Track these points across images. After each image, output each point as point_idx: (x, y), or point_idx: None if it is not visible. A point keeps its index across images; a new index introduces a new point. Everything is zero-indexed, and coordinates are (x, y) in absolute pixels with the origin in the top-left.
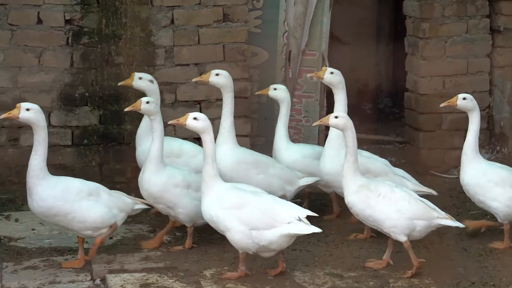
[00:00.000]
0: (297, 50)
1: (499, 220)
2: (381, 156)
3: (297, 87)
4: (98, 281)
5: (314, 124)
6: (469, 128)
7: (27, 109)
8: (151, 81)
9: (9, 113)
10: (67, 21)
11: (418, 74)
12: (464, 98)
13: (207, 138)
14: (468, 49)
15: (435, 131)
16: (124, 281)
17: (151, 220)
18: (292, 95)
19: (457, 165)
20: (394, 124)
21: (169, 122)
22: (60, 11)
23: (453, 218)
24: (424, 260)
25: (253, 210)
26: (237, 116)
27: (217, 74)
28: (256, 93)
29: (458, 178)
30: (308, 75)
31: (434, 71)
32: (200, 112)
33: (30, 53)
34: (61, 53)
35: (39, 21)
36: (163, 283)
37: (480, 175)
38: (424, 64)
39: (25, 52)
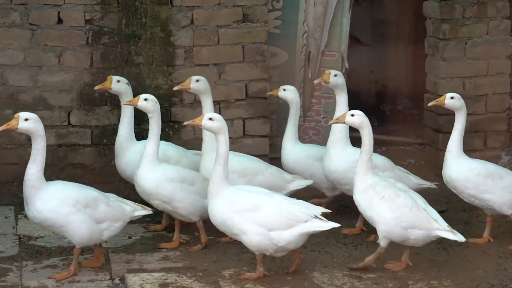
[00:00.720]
0: (317, 50)
1: (499, 212)
2: (401, 158)
3: (316, 88)
4: (117, 281)
5: (330, 122)
6: (454, 126)
7: (26, 119)
8: (128, 84)
9: (8, 125)
10: (87, 21)
11: (438, 76)
12: (452, 97)
13: (221, 138)
14: (489, 51)
15: None
16: (143, 280)
17: (170, 220)
18: (311, 96)
19: None
20: (413, 126)
21: (185, 123)
22: (80, 11)
23: (454, 231)
24: (411, 264)
25: (268, 211)
26: (256, 116)
27: (197, 80)
28: (267, 94)
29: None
30: (315, 81)
31: (454, 73)
32: (219, 112)
33: (50, 52)
34: (81, 52)
35: (60, 20)
36: (181, 283)
37: (467, 170)
38: (444, 66)
39: (45, 51)
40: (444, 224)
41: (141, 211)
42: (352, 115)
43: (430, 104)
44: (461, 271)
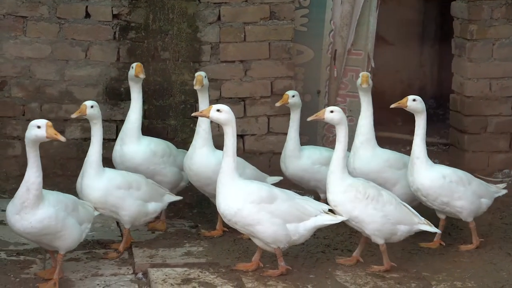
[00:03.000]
0: (343, 49)
1: (463, 219)
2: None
3: (342, 86)
4: (140, 275)
5: (309, 119)
6: (416, 132)
7: (218, 110)
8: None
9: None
10: (115, 16)
11: (465, 76)
12: (414, 100)
13: (229, 130)
14: None
15: (480, 134)
16: (166, 275)
17: (193, 215)
18: (336, 94)
19: (502, 168)
20: (438, 126)
21: (193, 114)
22: (108, 6)
23: (430, 224)
24: (395, 264)
25: (283, 204)
26: (281, 114)
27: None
28: (276, 104)
29: (502, 182)
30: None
31: (481, 73)
32: (244, 110)
33: (78, 46)
34: (108, 47)
35: (87, 15)
36: (204, 278)
37: (441, 177)
38: (471, 66)
39: (73, 45)
40: (422, 218)
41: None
42: (331, 112)
43: (392, 106)
44: (485, 273)
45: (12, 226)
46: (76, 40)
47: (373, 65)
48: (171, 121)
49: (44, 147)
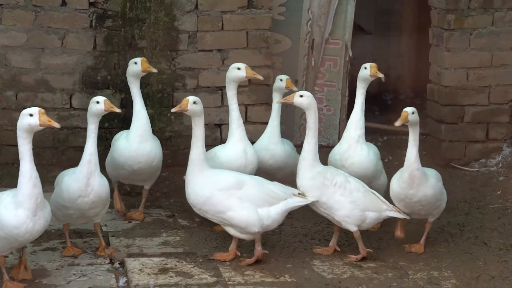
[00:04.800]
0: (321, 38)
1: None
2: (402, 148)
3: (319, 76)
4: (117, 265)
5: (279, 101)
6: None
7: (194, 102)
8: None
9: (180, 106)
10: (91, 4)
11: (442, 66)
12: (301, 96)
13: (200, 121)
14: (493, 42)
15: (457, 124)
16: (143, 265)
17: (170, 205)
18: (314, 84)
19: (478, 158)
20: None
21: (172, 110)
22: None
23: (400, 211)
24: (371, 250)
25: (252, 189)
26: (258, 103)
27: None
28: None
29: (478, 171)
30: (278, 101)
31: (458, 63)
32: (222, 99)
33: (54, 34)
34: (84, 35)
35: (63, 3)
36: (181, 268)
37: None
38: (448, 56)
39: (49, 33)
40: (391, 205)
41: None
42: (301, 96)
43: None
44: (462, 262)
45: (28, 232)
46: (52, 28)
47: (350, 55)
48: (148, 110)
49: None
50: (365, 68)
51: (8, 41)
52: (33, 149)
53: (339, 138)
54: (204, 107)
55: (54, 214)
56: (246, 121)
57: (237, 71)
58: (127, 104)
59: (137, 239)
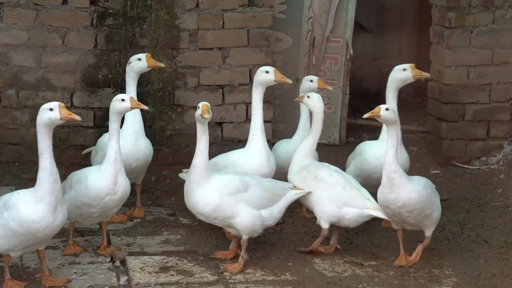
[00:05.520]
0: (322, 36)
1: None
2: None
3: (320, 74)
4: (118, 263)
5: (365, 116)
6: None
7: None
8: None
9: (371, 113)
10: (92, 2)
11: (443, 64)
12: (308, 96)
13: (205, 128)
14: (494, 40)
15: (458, 122)
16: (144, 263)
17: (171, 203)
18: None
19: (479, 156)
20: (416, 114)
21: (365, 116)
22: None
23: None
24: (323, 250)
25: (256, 189)
26: None
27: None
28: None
29: (479, 169)
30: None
31: (458, 61)
32: (223, 97)
33: (55, 33)
34: (85, 34)
35: (64, 1)
36: (182, 266)
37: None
38: (449, 54)
39: (50, 32)
40: (376, 204)
41: None
42: (308, 97)
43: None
44: (463, 260)
45: (48, 227)
46: (53, 27)
47: (351, 53)
48: (149, 108)
49: (21, 134)
50: (404, 69)
51: (9, 39)
52: (34, 147)
53: (340, 137)
54: None
55: (69, 213)
56: (247, 119)
57: (266, 74)
58: None
59: (138, 237)
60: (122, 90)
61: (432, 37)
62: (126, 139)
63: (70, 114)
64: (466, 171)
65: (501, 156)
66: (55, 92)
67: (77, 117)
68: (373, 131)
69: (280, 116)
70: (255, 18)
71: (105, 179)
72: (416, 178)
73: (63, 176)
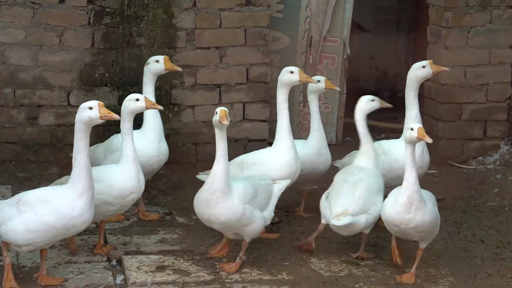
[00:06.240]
0: (319, 36)
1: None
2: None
3: (317, 73)
4: (114, 262)
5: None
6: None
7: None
8: None
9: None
10: (89, 1)
11: (440, 64)
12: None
13: (223, 134)
14: (491, 40)
15: (455, 121)
16: (140, 262)
17: (168, 202)
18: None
19: (476, 156)
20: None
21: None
22: None
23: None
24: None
25: (261, 192)
26: (256, 101)
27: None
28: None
29: (476, 169)
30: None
31: (456, 61)
32: (220, 96)
33: (52, 32)
34: (82, 33)
35: (61, 0)
36: (179, 266)
37: None
38: (446, 54)
39: (47, 30)
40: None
41: None
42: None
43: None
44: (459, 260)
45: (85, 223)
46: (50, 25)
47: (348, 52)
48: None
49: (18, 132)
50: (424, 66)
51: (6, 38)
52: (31, 146)
53: (337, 136)
54: (202, 105)
55: None
56: (244, 118)
57: (290, 74)
58: None
59: (134, 236)
60: (119, 89)
61: (429, 36)
62: (150, 140)
63: (109, 113)
64: (463, 171)
65: (497, 156)
66: (52, 91)
67: (117, 116)
68: (370, 131)
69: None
70: (252, 17)
71: (130, 178)
72: (424, 194)
73: (59, 175)
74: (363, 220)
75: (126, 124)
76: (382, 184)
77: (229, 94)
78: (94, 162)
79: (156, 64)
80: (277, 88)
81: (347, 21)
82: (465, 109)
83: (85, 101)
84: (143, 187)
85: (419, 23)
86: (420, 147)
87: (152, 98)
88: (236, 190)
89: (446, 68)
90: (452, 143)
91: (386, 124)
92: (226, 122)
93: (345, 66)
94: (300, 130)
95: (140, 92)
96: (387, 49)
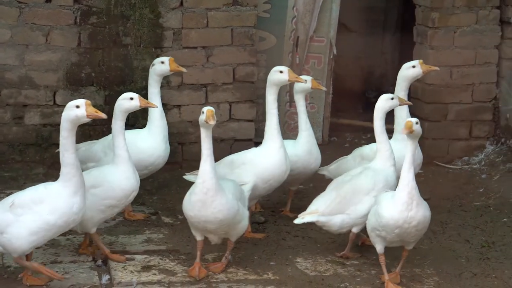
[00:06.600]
0: (305, 36)
1: None
2: None
3: (304, 73)
4: (99, 262)
5: (404, 133)
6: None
7: (416, 123)
8: None
9: (408, 129)
10: (76, 0)
11: (426, 64)
12: (417, 122)
13: (209, 133)
14: (477, 40)
15: (441, 122)
16: (126, 262)
17: (153, 202)
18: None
19: (461, 156)
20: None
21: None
22: None
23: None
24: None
25: (245, 191)
26: (242, 100)
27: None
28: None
29: (461, 169)
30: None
31: (442, 61)
32: (206, 96)
33: (38, 31)
34: (68, 32)
35: None
36: (164, 265)
37: None
38: (432, 54)
39: (33, 30)
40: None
41: None
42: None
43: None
44: (444, 260)
45: (80, 218)
46: (37, 25)
47: (335, 52)
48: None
49: (3, 132)
50: (413, 66)
51: None
52: (17, 146)
53: (323, 136)
54: (188, 105)
55: (92, 219)
56: (230, 118)
57: (280, 74)
58: (111, 102)
59: (120, 236)
60: (105, 88)
61: (415, 37)
62: (159, 141)
63: (96, 112)
64: (448, 170)
65: (483, 156)
66: (38, 91)
67: (103, 115)
68: (355, 131)
69: (264, 115)
70: (239, 17)
71: (130, 177)
72: None
73: (45, 175)
74: (337, 220)
75: (118, 123)
76: (380, 184)
77: (216, 94)
78: (90, 159)
79: (161, 65)
80: (266, 88)
81: (333, 21)
82: (451, 109)
83: (72, 100)
84: (139, 184)
85: (405, 23)
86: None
87: (157, 99)
88: (227, 187)
89: (436, 68)
90: (438, 143)
91: (372, 124)
92: (212, 122)
93: (332, 66)
94: (286, 130)
95: (126, 92)
96: (374, 49)
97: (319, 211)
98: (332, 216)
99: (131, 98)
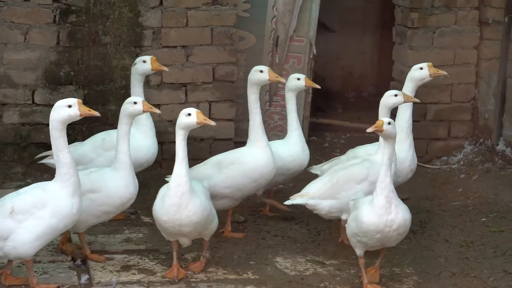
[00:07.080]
0: (285, 35)
1: None
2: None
3: (284, 73)
4: (78, 262)
5: (368, 130)
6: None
7: (388, 123)
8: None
9: (375, 127)
10: None
11: (405, 64)
12: (389, 123)
13: (185, 135)
14: (456, 41)
15: (420, 121)
16: (105, 262)
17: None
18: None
19: (440, 156)
20: (377, 113)
21: (368, 130)
22: None
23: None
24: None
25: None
26: (222, 100)
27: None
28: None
29: (440, 169)
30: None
31: (421, 61)
32: (186, 95)
33: (16, 30)
34: (47, 31)
35: None
36: (144, 265)
37: None
38: (411, 54)
39: (11, 28)
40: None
41: None
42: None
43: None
44: (423, 259)
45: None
46: (15, 23)
47: (314, 52)
48: (111, 106)
49: None
50: (421, 68)
51: None
52: None
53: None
54: (167, 104)
55: (84, 223)
56: (210, 117)
57: (260, 74)
58: (90, 101)
59: (99, 236)
60: (84, 87)
61: (394, 37)
62: (152, 140)
63: (89, 111)
64: (427, 170)
65: (461, 156)
66: (17, 89)
67: (97, 113)
68: (335, 131)
69: (243, 114)
70: (219, 16)
71: (129, 185)
72: None
73: (23, 174)
74: (326, 204)
75: (123, 127)
76: (373, 177)
77: (195, 93)
78: (79, 162)
79: (143, 65)
80: (248, 88)
81: (313, 21)
82: (430, 109)
83: (50, 99)
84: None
85: (385, 23)
86: (410, 151)
87: (141, 98)
88: (197, 189)
89: (444, 72)
90: (417, 143)
91: (352, 124)
92: (213, 123)
93: (311, 66)
94: (266, 130)
95: (105, 91)
96: (353, 49)
97: (309, 194)
98: (322, 200)
99: (135, 102)
